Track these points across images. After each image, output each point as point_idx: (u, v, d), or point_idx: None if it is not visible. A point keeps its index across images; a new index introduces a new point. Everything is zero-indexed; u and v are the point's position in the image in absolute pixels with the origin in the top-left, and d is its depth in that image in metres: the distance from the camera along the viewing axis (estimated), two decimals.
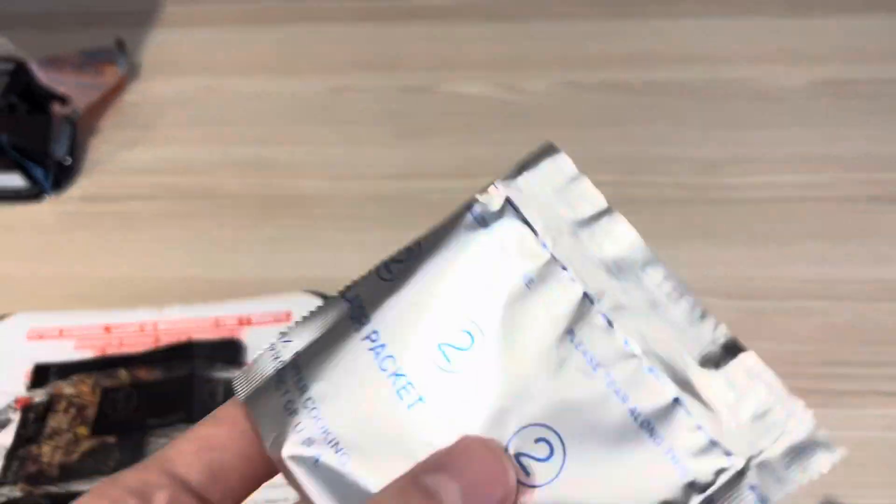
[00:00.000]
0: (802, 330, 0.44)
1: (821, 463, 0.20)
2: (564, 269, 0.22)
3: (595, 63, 0.62)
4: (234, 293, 0.46)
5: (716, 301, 0.46)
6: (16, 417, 0.38)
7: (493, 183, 0.24)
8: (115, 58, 0.62)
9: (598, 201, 0.23)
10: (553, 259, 0.22)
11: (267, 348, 0.22)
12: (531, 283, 0.22)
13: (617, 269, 0.23)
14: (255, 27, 0.67)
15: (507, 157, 0.54)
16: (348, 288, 0.23)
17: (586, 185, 0.23)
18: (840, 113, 0.56)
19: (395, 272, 0.23)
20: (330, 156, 0.56)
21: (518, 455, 0.21)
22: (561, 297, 0.22)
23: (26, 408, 0.38)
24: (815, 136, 0.54)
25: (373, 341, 0.21)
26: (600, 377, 0.21)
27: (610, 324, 0.22)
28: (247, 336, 0.41)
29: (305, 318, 0.22)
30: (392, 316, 0.21)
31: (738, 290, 0.46)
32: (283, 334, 0.22)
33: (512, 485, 0.20)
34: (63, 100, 0.56)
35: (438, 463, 0.20)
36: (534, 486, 0.21)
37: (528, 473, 0.21)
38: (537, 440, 0.21)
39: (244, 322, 0.41)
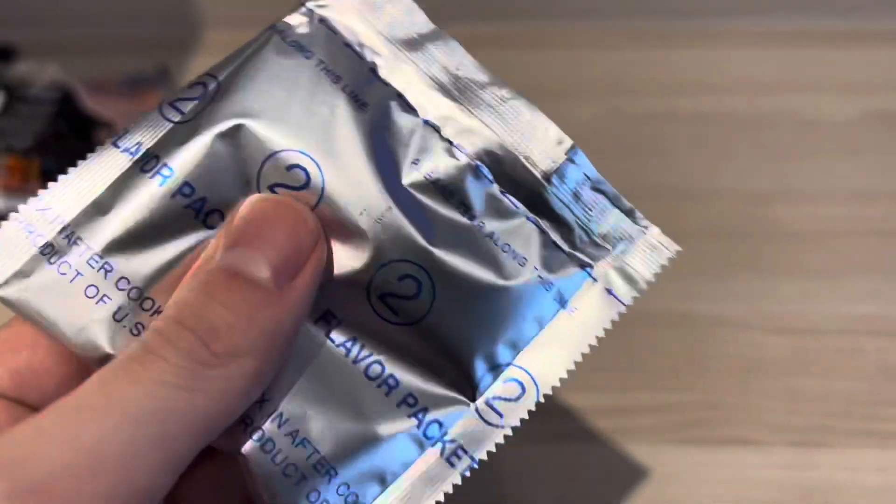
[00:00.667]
0: (855, 368, 0.43)
1: (662, 259, 0.24)
2: (400, 95, 0.22)
3: (640, 92, 0.61)
4: None
5: (765, 336, 0.45)
6: None
7: (301, 4, 0.23)
8: (159, 84, 0.63)
9: (422, 20, 0.23)
10: (388, 86, 0.22)
11: (13, 222, 0.21)
12: (362, 107, 0.21)
13: (455, 87, 0.23)
14: None
15: None
16: (120, 132, 0.21)
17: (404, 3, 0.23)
18: (892, 144, 0.55)
19: (190, 112, 0.21)
20: None
21: (383, 296, 0.20)
22: (404, 124, 0.21)
23: None
24: (866, 168, 0.53)
25: (185, 196, 0.20)
26: (454, 206, 0.21)
27: (456, 148, 0.22)
28: None
29: (64, 178, 0.21)
30: (203, 164, 0.20)
31: (787, 326, 0.45)
32: (35, 199, 0.21)
33: (321, 238, 0.19)
34: (108, 125, 0.57)
35: (236, 236, 0.19)
36: (402, 324, 0.20)
37: (395, 313, 0.21)
38: (401, 278, 0.20)
39: None
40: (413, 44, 0.23)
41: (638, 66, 0.64)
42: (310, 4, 0.23)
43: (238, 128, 0.21)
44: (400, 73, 0.22)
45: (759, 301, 0.46)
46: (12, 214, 0.20)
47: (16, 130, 0.53)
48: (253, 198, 0.20)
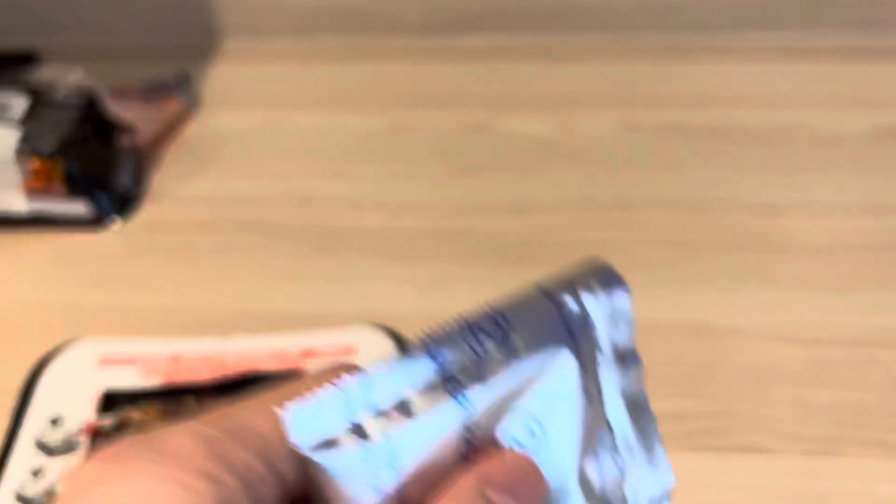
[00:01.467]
0: (867, 380, 0.43)
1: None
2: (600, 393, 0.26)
3: (652, 105, 0.62)
4: (293, 325, 0.46)
5: (778, 347, 0.45)
6: (84, 442, 0.39)
7: (578, 286, 0.26)
8: (179, 91, 0.64)
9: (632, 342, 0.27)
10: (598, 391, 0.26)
11: (336, 391, 0.22)
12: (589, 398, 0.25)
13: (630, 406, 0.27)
14: (314, 63, 0.69)
15: (561, 196, 0.55)
16: (430, 340, 0.23)
17: (631, 326, 0.27)
18: None
19: (485, 350, 0.24)
20: (387, 191, 0.57)
21: None
22: (594, 421, 0.25)
23: (95, 433, 0.39)
24: (877, 182, 0.54)
25: (468, 428, 0.23)
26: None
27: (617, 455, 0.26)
28: (310, 367, 0.41)
29: (382, 368, 0.23)
30: (485, 405, 0.23)
31: (799, 337, 0.46)
32: (358, 377, 0.23)
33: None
34: (129, 130, 0.58)
35: (503, 482, 0.22)
36: None
37: None
38: None
39: (308, 353, 0.42)
40: (622, 359, 0.27)
41: (652, 79, 0.64)
42: (583, 295, 0.26)
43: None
44: (606, 378, 0.26)
45: (773, 312, 0.47)
46: (339, 383, 0.22)
47: (40, 134, 0.54)
48: (517, 453, 0.23)
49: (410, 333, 0.43)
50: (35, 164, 0.53)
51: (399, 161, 0.60)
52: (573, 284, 0.26)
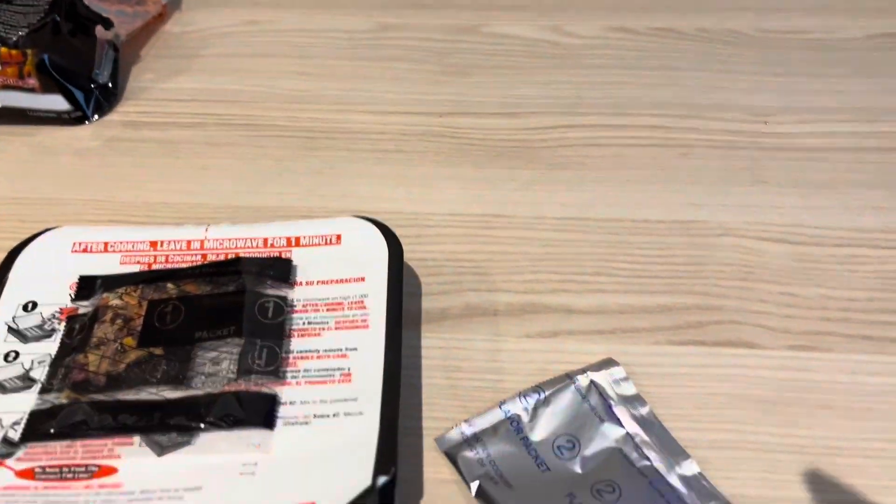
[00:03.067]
0: (856, 278, 0.43)
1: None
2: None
3: (644, 8, 0.61)
4: (279, 220, 0.45)
5: (766, 245, 0.45)
6: (61, 327, 0.38)
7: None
8: None
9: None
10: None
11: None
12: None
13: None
14: None
15: (551, 97, 0.54)
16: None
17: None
18: None
19: (531, 412, 0.38)
20: (375, 91, 0.56)
21: None
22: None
23: (72, 318, 0.38)
24: (871, 87, 0.53)
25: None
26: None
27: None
28: (296, 256, 0.40)
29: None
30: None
31: (789, 237, 0.45)
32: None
33: None
34: (107, 24, 0.56)
35: None
36: None
37: None
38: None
39: (293, 242, 0.41)
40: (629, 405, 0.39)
41: None
42: (592, 375, 0.39)
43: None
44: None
45: (762, 212, 0.47)
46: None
47: (9, 24, 0.52)
48: None
49: (398, 228, 0.42)
50: (3, 54, 0.51)
51: (387, 61, 0.58)
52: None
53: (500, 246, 0.45)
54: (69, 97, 0.53)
